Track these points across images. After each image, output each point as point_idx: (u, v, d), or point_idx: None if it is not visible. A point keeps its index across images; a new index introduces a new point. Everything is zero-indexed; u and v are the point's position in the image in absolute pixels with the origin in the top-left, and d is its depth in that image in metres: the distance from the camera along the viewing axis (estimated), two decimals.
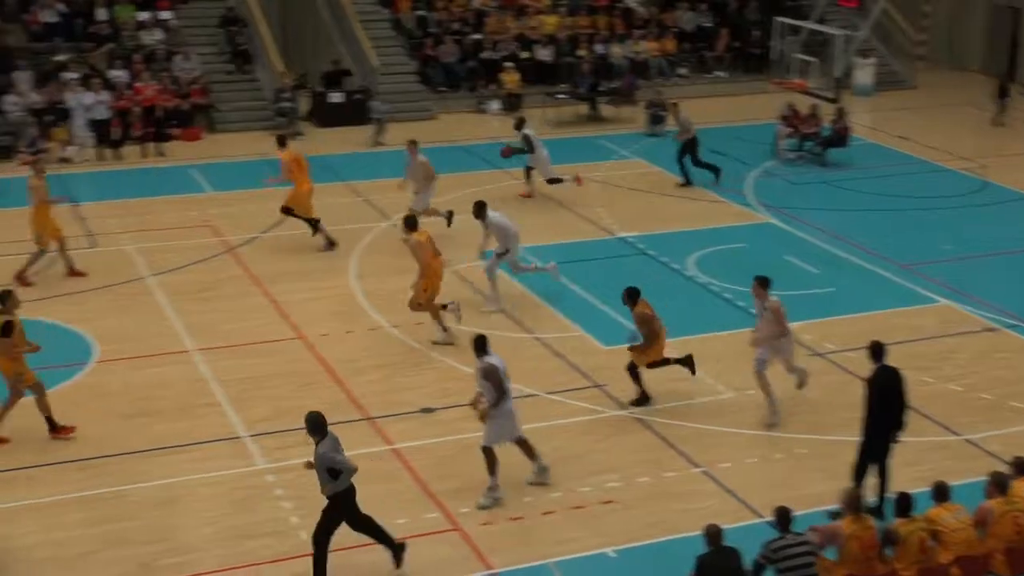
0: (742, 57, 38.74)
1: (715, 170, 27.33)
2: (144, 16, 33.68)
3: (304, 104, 33.16)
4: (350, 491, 12.62)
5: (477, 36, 36.51)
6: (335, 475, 12.43)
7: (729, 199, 26.49)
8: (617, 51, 37.14)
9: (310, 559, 12.70)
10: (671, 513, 14.20)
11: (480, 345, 14.30)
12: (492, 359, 14.21)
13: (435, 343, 18.59)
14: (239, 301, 20.53)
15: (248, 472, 14.94)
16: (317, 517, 12.68)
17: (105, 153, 29.46)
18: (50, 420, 15.87)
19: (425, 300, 18.61)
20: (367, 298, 20.54)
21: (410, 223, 19.04)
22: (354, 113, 32.40)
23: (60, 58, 31.60)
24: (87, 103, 29.72)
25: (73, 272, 21.61)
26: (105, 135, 29.66)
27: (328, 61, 34.20)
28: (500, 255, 20.05)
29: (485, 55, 35.97)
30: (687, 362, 16.86)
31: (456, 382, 17.27)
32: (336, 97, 32.96)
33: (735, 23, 39.23)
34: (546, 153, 25.89)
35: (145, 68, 31.73)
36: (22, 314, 16.14)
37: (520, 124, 26.42)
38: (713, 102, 35.62)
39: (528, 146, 25.87)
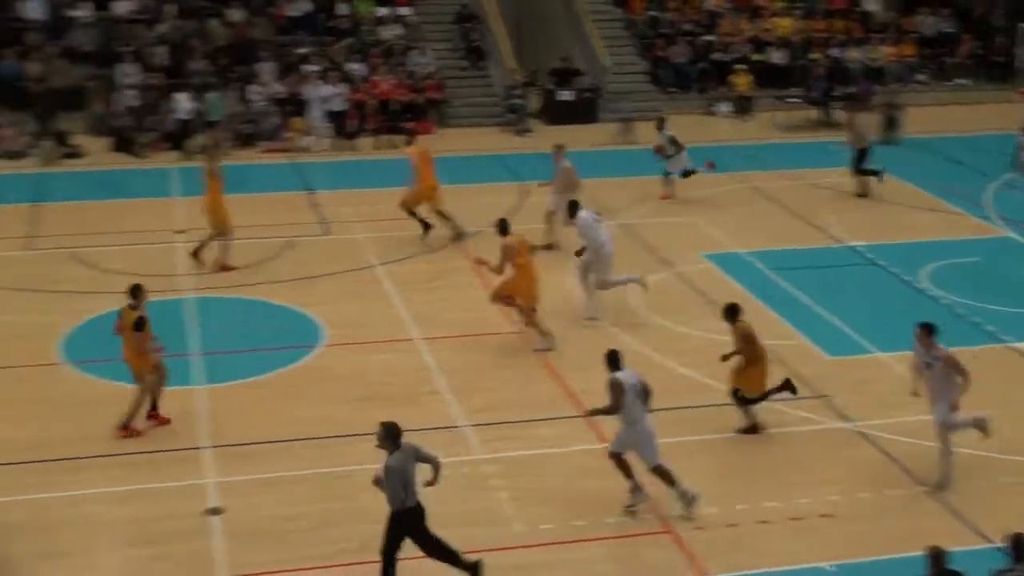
0: (985, 64, 37.45)
1: (874, 173, 26.39)
2: (383, 11, 34.64)
3: (534, 101, 33.51)
4: (416, 511, 12.19)
5: (709, 37, 36.27)
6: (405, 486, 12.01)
7: (966, 211, 25.61)
8: (853, 55, 36.35)
9: (524, 550, 12.80)
10: (893, 531, 13.80)
11: (612, 360, 14.16)
12: (619, 375, 14.04)
13: (535, 350, 18.50)
14: (464, 292, 20.86)
15: (466, 461, 15.13)
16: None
17: (340, 144, 30.37)
18: (156, 404, 15.90)
19: (524, 305, 18.58)
20: None
21: (502, 227, 18.86)
22: (583, 111, 32.57)
23: (302, 51, 32.74)
24: (325, 95, 30.68)
25: (198, 257, 21.55)
26: (341, 126, 30.58)
27: (558, 59, 34.47)
28: (586, 261, 19.75)
29: (716, 56, 35.69)
30: (787, 385, 16.16)
31: (673, 381, 17.19)
32: (565, 95, 33.20)
33: (979, 29, 37.91)
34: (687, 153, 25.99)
35: (382, 62, 32.58)
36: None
37: (662, 124, 26.19)
38: (952, 110, 34.58)
39: (676, 146, 25.68)
